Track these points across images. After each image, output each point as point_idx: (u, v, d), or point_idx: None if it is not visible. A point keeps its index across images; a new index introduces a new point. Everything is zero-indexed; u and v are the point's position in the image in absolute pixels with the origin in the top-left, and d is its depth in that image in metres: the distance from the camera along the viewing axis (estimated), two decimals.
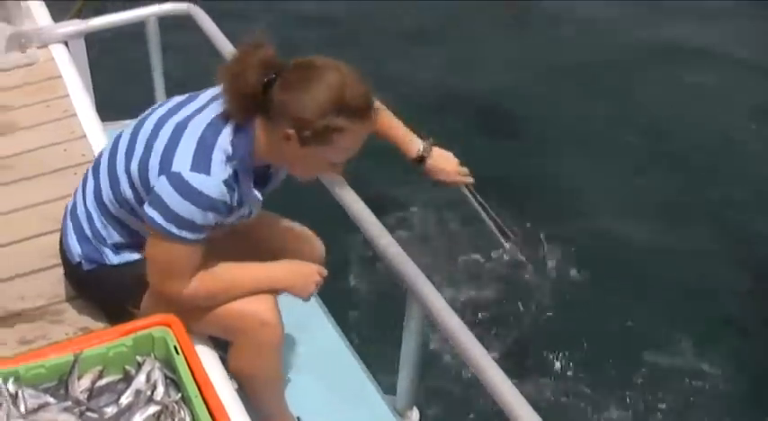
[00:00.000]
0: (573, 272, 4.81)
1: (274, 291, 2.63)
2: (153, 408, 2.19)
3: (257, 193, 2.50)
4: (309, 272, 2.66)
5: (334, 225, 2.89)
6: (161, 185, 2.32)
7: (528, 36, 7.52)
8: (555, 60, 6.97)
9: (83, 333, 2.71)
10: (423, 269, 2.68)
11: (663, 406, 4.12)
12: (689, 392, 4.22)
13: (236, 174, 2.36)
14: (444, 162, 3.01)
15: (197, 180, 2.29)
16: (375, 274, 3.08)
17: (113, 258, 2.60)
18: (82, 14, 6.56)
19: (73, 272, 2.75)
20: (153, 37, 4.21)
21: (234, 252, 2.76)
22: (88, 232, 2.61)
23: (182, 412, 2.19)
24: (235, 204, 2.41)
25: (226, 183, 2.32)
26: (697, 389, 4.23)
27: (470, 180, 3.03)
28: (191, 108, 2.45)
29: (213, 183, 2.30)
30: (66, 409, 2.18)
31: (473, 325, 2.56)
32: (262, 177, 2.55)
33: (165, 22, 4.19)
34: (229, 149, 2.34)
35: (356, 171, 2.67)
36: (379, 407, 3.13)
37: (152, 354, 2.33)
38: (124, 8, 4.25)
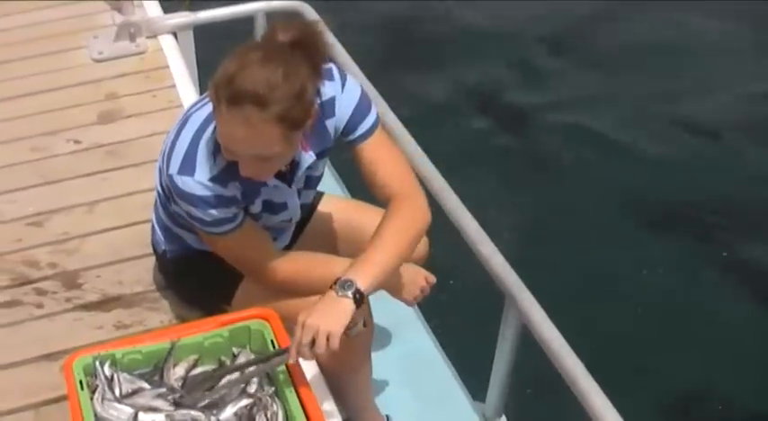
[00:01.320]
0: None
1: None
2: (246, 400, 2.18)
3: (276, 182, 2.38)
4: (416, 274, 2.60)
5: (433, 227, 2.87)
6: (168, 186, 2.32)
7: None
8: None
9: (178, 322, 2.73)
10: None
11: None
12: None
13: (230, 168, 2.23)
14: (328, 310, 2.13)
15: (184, 182, 2.25)
16: (472, 279, 3.03)
17: (196, 244, 2.59)
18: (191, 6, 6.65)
19: (161, 262, 2.78)
20: (261, 32, 4.23)
21: (328, 246, 2.75)
22: (166, 220, 2.60)
23: (274, 406, 2.18)
24: (239, 196, 2.32)
25: (215, 179, 2.25)
26: None
27: (292, 360, 2.16)
28: (201, 102, 2.36)
29: (199, 182, 2.24)
30: (160, 396, 2.18)
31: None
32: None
33: (275, 17, 4.20)
34: (213, 142, 2.24)
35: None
36: (467, 414, 3.11)
37: (247, 347, 2.32)
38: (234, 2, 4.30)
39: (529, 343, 2.60)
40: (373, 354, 2.95)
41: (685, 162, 5.65)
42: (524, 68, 6.73)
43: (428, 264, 2.86)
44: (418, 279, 2.59)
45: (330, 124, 2.39)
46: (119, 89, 3.97)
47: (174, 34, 4.26)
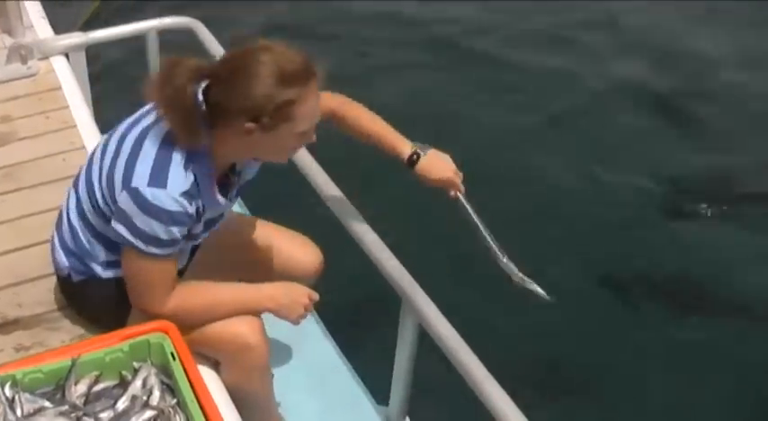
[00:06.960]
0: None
1: (260, 312, 2.60)
2: (149, 413, 2.21)
3: (221, 199, 2.46)
4: (298, 293, 2.61)
5: (329, 236, 2.91)
6: (123, 200, 2.31)
7: None
8: None
9: (80, 340, 2.73)
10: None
11: None
12: None
13: (197, 183, 2.33)
14: (441, 161, 2.71)
15: (154, 195, 2.27)
16: (369, 284, 3.07)
17: (102, 272, 2.59)
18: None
19: (63, 283, 2.77)
20: (153, 50, 4.23)
21: (225, 261, 2.78)
22: (73, 247, 2.60)
23: (177, 417, 2.22)
24: (198, 213, 2.37)
25: (185, 194, 2.30)
26: None
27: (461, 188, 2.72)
28: (151, 118, 2.40)
29: (171, 196, 2.27)
30: (62, 414, 2.20)
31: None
32: (224, 183, 2.51)
33: (167, 36, 4.21)
34: (186, 159, 2.30)
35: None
36: (372, 418, 3.16)
37: (148, 360, 2.35)
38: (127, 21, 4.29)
39: (430, 345, 2.65)
40: (276, 365, 2.99)
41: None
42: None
43: (325, 273, 2.92)
44: (301, 298, 2.60)
45: None
46: (12, 112, 3.93)
47: (66, 55, 4.24)
